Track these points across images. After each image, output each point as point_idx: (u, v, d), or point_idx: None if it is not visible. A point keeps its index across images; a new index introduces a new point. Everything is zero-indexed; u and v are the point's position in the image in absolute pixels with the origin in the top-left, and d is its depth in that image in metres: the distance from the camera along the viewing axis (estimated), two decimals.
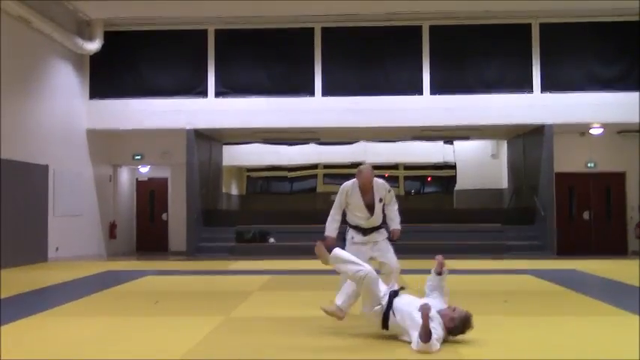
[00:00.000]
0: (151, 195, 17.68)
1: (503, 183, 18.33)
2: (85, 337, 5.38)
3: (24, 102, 12.64)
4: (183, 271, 11.21)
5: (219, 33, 15.36)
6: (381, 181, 6.37)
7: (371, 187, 6.27)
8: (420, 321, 4.60)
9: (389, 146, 19.34)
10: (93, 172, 15.56)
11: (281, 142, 19.07)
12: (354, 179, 6.34)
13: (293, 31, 15.30)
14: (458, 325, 4.84)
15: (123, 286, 9.04)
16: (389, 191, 6.37)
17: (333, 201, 6.48)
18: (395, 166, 20.20)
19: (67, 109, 14.45)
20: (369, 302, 5.12)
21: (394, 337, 5.05)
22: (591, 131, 15.52)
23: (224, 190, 18.74)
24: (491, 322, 4.91)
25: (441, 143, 19.36)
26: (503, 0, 14.12)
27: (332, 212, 6.41)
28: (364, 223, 6.28)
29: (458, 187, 19.38)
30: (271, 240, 15.29)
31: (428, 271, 5.45)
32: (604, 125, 15.14)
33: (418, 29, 15.12)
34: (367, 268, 5.19)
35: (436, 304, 4.98)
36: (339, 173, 20.05)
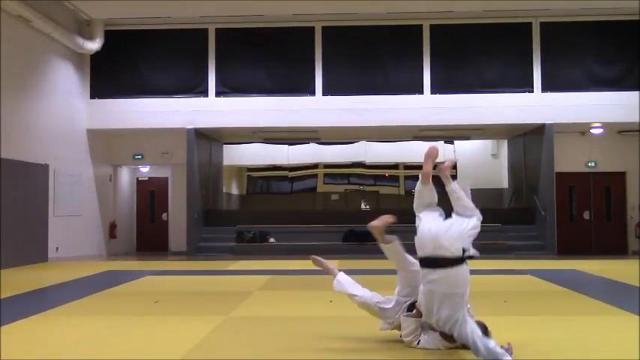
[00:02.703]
0: (151, 195, 17.66)
1: (504, 183, 18.33)
2: (85, 337, 5.38)
3: (24, 102, 12.64)
4: (183, 271, 11.21)
5: (219, 32, 15.37)
6: None
7: None
8: None
9: (389, 146, 19.33)
10: (93, 172, 15.56)
11: (281, 142, 19.05)
12: None
13: (293, 30, 15.31)
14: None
15: (123, 286, 9.04)
16: None
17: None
18: (395, 166, 20.18)
19: (67, 109, 14.45)
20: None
21: (395, 339, 5.05)
22: (591, 131, 15.52)
23: (224, 190, 18.73)
24: (491, 323, 4.89)
25: (441, 143, 19.33)
26: (504, 0, 14.13)
27: None
28: None
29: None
30: (271, 240, 15.30)
31: None
32: (604, 125, 15.14)
33: (418, 28, 15.13)
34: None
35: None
36: (339, 173, 20.08)
